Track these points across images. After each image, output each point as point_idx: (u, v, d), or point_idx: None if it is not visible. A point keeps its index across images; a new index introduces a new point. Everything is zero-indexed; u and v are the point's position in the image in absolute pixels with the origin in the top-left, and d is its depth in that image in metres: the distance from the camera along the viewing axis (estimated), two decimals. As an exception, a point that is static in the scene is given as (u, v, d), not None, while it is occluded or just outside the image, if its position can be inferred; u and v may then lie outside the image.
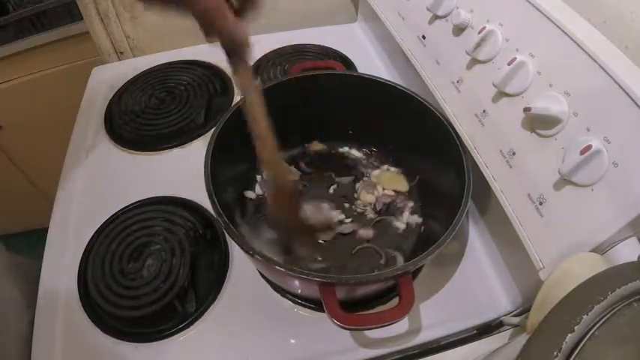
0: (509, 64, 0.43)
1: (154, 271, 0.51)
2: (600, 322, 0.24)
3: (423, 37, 0.59)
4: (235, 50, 0.37)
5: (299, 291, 0.50)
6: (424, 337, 0.48)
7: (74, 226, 0.58)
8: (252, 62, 0.39)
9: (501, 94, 0.46)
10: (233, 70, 0.39)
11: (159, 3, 0.34)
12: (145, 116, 0.71)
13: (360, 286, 0.44)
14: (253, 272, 0.53)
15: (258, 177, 0.62)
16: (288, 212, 0.48)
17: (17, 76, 1.04)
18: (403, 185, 0.62)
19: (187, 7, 0.32)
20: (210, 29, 0.34)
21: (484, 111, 0.48)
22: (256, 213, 0.59)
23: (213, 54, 0.81)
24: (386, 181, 0.62)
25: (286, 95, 0.56)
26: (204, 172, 0.47)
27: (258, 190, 0.61)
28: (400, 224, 0.58)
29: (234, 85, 0.42)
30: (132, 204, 0.59)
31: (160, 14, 0.34)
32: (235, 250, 0.55)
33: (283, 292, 0.52)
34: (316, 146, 0.66)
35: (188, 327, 0.48)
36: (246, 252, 0.42)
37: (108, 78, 0.79)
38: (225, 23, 0.34)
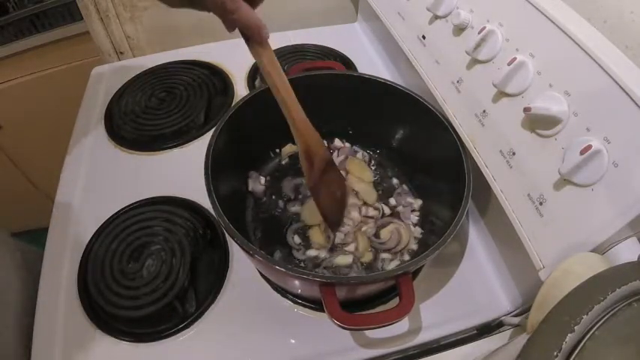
0: (509, 64, 0.43)
1: (153, 272, 0.51)
2: (600, 322, 0.24)
3: (423, 37, 0.59)
4: (253, 34, 0.40)
5: (299, 291, 0.50)
6: (424, 337, 0.48)
7: (74, 226, 0.58)
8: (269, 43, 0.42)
9: (501, 94, 0.46)
10: (253, 54, 0.42)
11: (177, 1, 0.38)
12: (145, 116, 0.71)
13: (360, 286, 0.44)
14: (253, 272, 0.53)
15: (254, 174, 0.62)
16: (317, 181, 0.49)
17: (17, 76, 1.04)
18: (368, 176, 0.63)
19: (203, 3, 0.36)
20: (228, 19, 0.37)
21: (484, 111, 0.48)
22: (257, 213, 0.59)
23: (213, 54, 0.81)
24: (355, 170, 0.63)
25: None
26: (204, 172, 0.47)
27: (257, 188, 0.61)
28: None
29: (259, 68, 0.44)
30: (132, 204, 0.59)
31: (169, 11, 0.35)
32: (235, 250, 0.55)
33: (283, 292, 0.52)
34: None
35: (188, 327, 0.48)
36: (246, 252, 0.42)
37: (108, 78, 0.79)
38: (240, 11, 0.37)
